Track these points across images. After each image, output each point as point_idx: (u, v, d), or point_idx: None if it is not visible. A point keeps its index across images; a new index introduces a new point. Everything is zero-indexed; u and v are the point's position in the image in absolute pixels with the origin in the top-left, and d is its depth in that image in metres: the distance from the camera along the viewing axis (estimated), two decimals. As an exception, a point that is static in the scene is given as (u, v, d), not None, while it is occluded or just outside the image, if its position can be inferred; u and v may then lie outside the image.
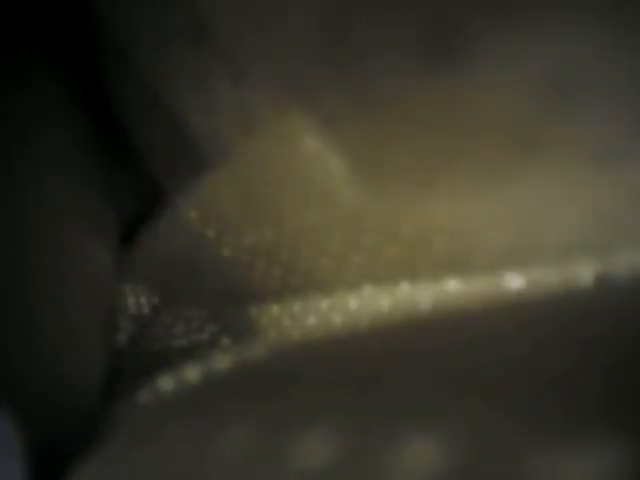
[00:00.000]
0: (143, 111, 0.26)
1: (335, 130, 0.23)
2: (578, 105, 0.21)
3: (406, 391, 0.17)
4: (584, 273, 0.22)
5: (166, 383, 0.22)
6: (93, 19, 0.25)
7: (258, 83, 0.23)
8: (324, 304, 0.25)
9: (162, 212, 0.26)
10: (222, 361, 0.22)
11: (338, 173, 0.23)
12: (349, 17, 0.21)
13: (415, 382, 0.17)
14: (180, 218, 0.25)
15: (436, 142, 0.22)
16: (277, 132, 0.23)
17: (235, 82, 0.23)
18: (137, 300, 0.27)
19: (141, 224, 0.27)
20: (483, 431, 0.15)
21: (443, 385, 0.17)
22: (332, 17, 0.22)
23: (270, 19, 0.22)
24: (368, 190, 0.23)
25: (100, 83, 0.27)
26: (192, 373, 0.22)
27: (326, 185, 0.23)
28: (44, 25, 0.26)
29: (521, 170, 0.22)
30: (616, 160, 0.22)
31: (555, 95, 0.21)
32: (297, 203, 0.24)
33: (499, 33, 0.21)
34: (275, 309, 0.25)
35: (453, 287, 0.23)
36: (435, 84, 0.21)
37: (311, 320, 0.25)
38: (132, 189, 0.28)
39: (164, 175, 0.27)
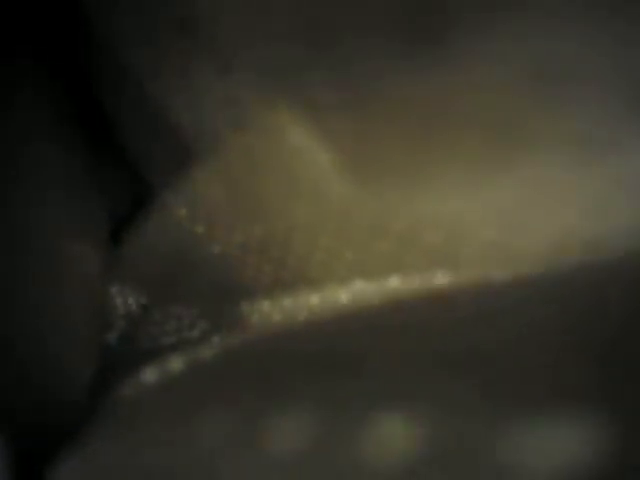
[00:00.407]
0: (130, 108, 0.26)
1: (324, 124, 0.23)
2: (563, 98, 0.21)
3: (389, 374, 0.17)
4: (571, 266, 0.22)
5: (150, 375, 0.22)
6: (78, 16, 0.25)
7: (245, 77, 0.23)
8: (315, 299, 0.25)
9: (151, 210, 0.26)
10: (206, 351, 0.22)
11: (327, 167, 0.23)
12: (333, 8, 0.21)
13: (399, 365, 0.17)
14: (169, 216, 0.25)
15: (423, 136, 0.22)
16: (265, 127, 0.23)
17: (222, 76, 0.23)
18: (127, 299, 0.27)
19: (130, 222, 0.27)
20: (466, 412, 0.15)
21: (426, 368, 0.17)
22: (315, 7, 0.22)
23: (255, 11, 0.22)
24: (358, 185, 0.23)
25: (87, 80, 0.27)
26: (176, 364, 0.22)
27: (316, 180, 0.23)
28: (29, 23, 0.26)
29: (506, 164, 0.22)
30: (602, 153, 0.22)
31: (539, 88, 0.21)
32: (287, 198, 0.24)
33: (482, 24, 0.21)
34: (266, 305, 0.25)
35: (442, 281, 0.23)
36: (420, 77, 0.22)
37: (302, 315, 0.25)
38: (121, 187, 0.28)
39: (152, 172, 0.27)
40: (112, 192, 0.28)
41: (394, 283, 0.24)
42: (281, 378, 0.18)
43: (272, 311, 0.25)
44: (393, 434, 0.16)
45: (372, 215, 0.23)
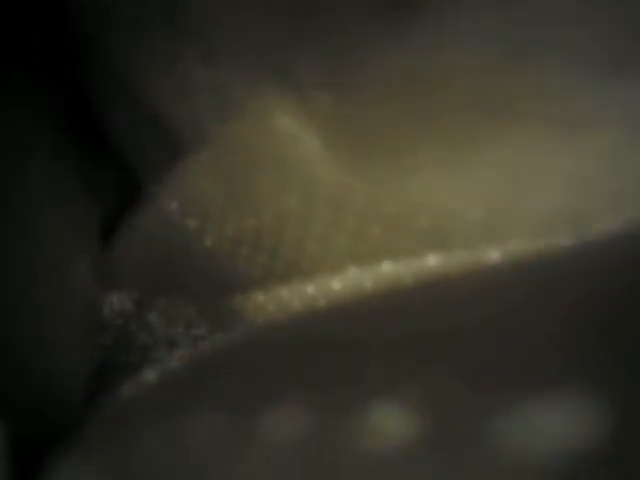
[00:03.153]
0: (118, 104, 0.26)
1: (310, 108, 0.23)
2: (545, 72, 0.21)
3: (375, 360, 0.17)
4: (562, 243, 0.22)
5: (147, 373, 0.22)
6: (64, 14, 0.25)
7: (229, 62, 0.23)
8: (309, 288, 0.25)
9: (142, 206, 0.26)
10: (201, 346, 0.22)
11: (316, 154, 0.23)
12: None
13: (385, 350, 0.17)
14: (160, 210, 0.25)
15: (408, 119, 0.22)
16: (252, 115, 0.23)
17: (206, 63, 0.23)
18: (121, 296, 0.27)
19: (121, 221, 0.27)
20: (458, 395, 0.15)
21: (420, 352, 0.17)
22: None
23: None
24: (346, 170, 0.23)
25: (75, 79, 0.27)
26: (172, 361, 0.22)
27: (305, 167, 0.23)
28: (21, 24, 0.26)
29: (491, 144, 0.22)
30: (586, 127, 0.22)
31: (521, 64, 0.21)
32: (277, 187, 0.24)
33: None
34: (260, 296, 0.25)
35: (434, 263, 0.23)
36: (404, 56, 0.21)
37: (297, 305, 0.25)
38: (111, 186, 0.28)
39: (142, 168, 0.27)
40: (103, 191, 0.28)
41: (387, 267, 0.24)
42: (276, 370, 0.18)
43: (267, 302, 0.25)
44: (387, 421, 0.16)
45: (363, 200, 0.23)
